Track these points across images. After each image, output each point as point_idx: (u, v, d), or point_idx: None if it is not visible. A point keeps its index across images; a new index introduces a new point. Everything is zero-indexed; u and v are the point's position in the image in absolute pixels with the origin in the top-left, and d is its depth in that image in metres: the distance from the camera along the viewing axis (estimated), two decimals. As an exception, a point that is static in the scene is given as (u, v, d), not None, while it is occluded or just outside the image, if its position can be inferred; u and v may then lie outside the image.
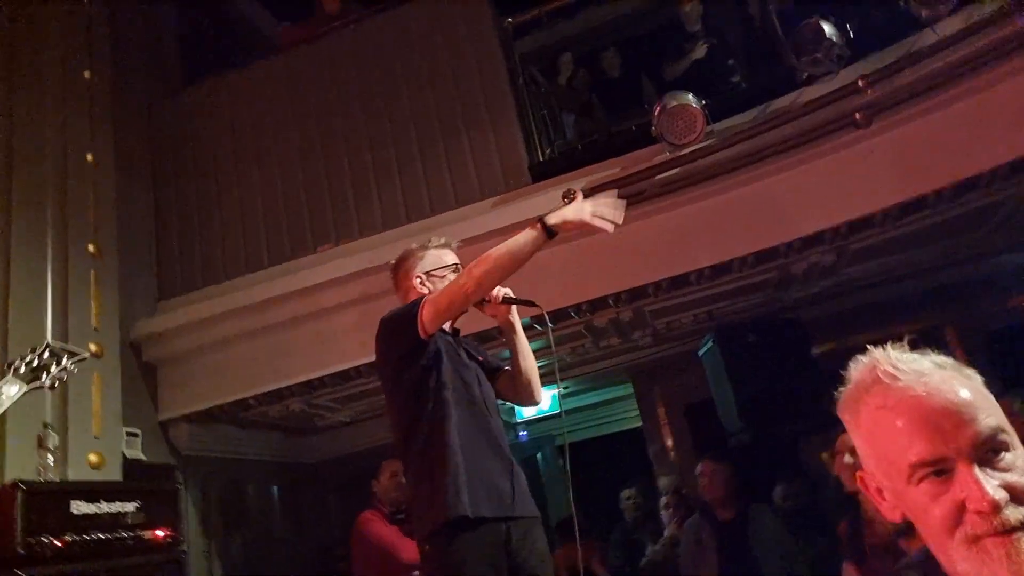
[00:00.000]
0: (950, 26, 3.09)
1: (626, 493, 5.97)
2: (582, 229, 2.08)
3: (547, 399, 6.27)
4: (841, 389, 0.98)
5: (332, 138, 4.61)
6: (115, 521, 2.75)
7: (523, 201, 4.01)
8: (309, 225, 4.53)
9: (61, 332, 3.53)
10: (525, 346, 2.20)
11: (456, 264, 2.33)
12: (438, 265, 2.31)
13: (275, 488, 5.33)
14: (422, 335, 2.04)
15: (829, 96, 3.23)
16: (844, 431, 2.80)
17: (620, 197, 3.69)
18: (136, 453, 3.95)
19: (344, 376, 4.41)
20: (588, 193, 3.73)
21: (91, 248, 3.87)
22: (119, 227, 4.14)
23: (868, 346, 0.94)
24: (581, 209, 2.06)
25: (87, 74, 4.14)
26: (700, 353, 4.70)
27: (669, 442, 6.01)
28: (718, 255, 3.68)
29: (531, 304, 2.17)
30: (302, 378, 4.31)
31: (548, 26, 5.07)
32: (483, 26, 4.46)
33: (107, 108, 4.25)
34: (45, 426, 3.00)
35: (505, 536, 1.96)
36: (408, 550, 3.68)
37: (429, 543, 1.96)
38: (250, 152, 4.76)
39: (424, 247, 2.36)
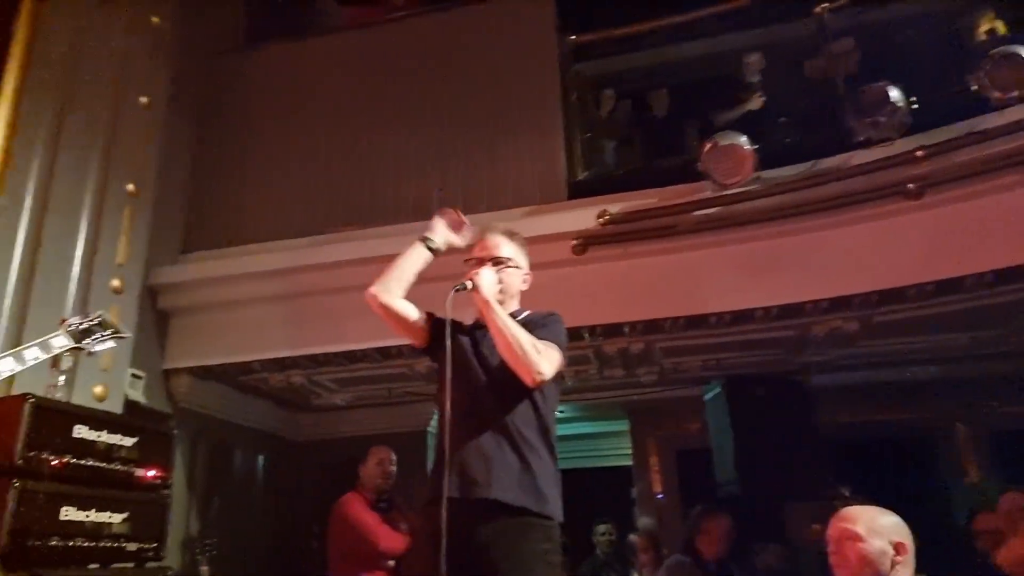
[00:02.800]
0: (1017, 112, 3.11)
1: (601, 528, 5.94)
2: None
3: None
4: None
5: (378, 123, 4.66)
6: (111, 452, 2.76)
7: (554, 215, 4.03)
8: (341, 203, 4.57)
9: (88, 262, 3.57)
10: (492, 326, 2.08)
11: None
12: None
13: (261, 457, 5.32)
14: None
15: (884, 161, 3.25)
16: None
17: (653, 228, 3.78)
18: (137, 395, 3.97)
19: (351, 357, 4.42)
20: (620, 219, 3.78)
21: (130, 187, 3.92)
22: (158, 173, 4.19)
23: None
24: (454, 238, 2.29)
25: (154, 19, 4.23)
26: (705, 397, 4.68)
27: (656, 484, 5.97)
28: (742, 302, 3.68)
29: (464, 287, 2.11)
30: (310, 351, 4.33)
31: (608, 54, 5.13)
32: (546, 37, 4.53)
33: (168, 56, 4.33)
34: (62, 346, 3.00)
35: (464, 524, 1.91)
36: (386, 538, 3.67)
37: None
38: (296, 123, 4.81)
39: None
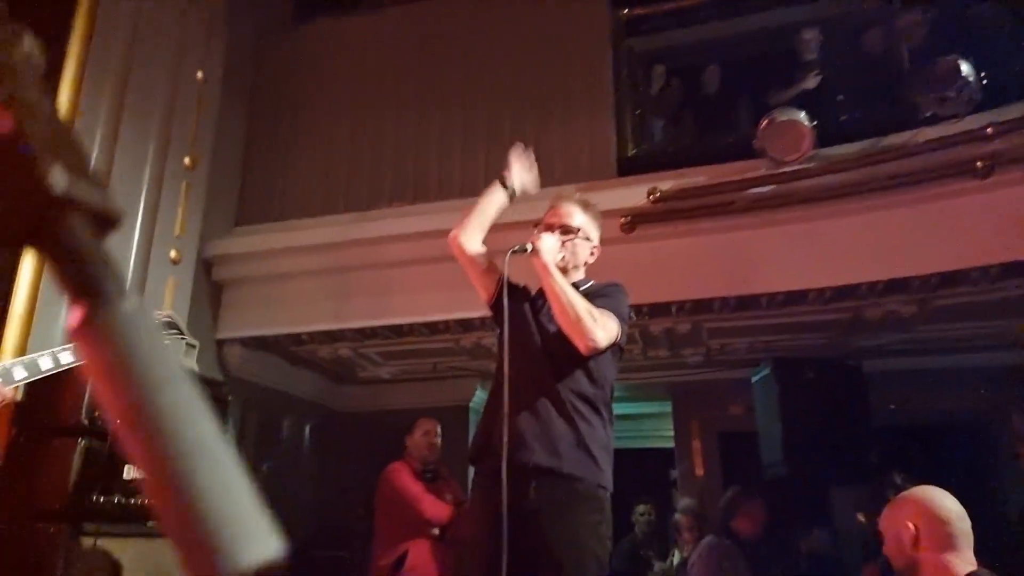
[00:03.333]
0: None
1: (640, 508, 5.94)
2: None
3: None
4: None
5: (427, 99, 4.66)
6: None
7: (604, 193, 3.96)
8: (388, 179, 4.60)
9: (147, 231, 3.67)
10: (554, 294, 2.07)
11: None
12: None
13: (308, 427, 5.44)
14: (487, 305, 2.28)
15: (951, 139, 3.13)
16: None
17: (704, 207, 3.72)
18: (191, 363, 4.07)
19: (398, 330, 4.48)
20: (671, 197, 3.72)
21: (187, 161, 4.01)
22: (213, 146, 4.28)
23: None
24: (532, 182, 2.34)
25: (210, -5, 4.30)
26: (753, 379, 4.62)
27: (698, 467, 5.92)
28: (795, 283, 3.61)
29: (524, 249, 2.12)
30: (357, 324, 4.39)
31: (659, 29, 5.03)
32: (598, 11, 4.46)
33: (223, 31, 4.40)
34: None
35: (515, 489, 1.92)
36: (431, 506, 3.72)
37: None
38: (346, 98, 4.85)
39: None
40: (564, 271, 2.15)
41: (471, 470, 2.23)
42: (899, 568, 1.93)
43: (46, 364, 1.80)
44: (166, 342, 0.38)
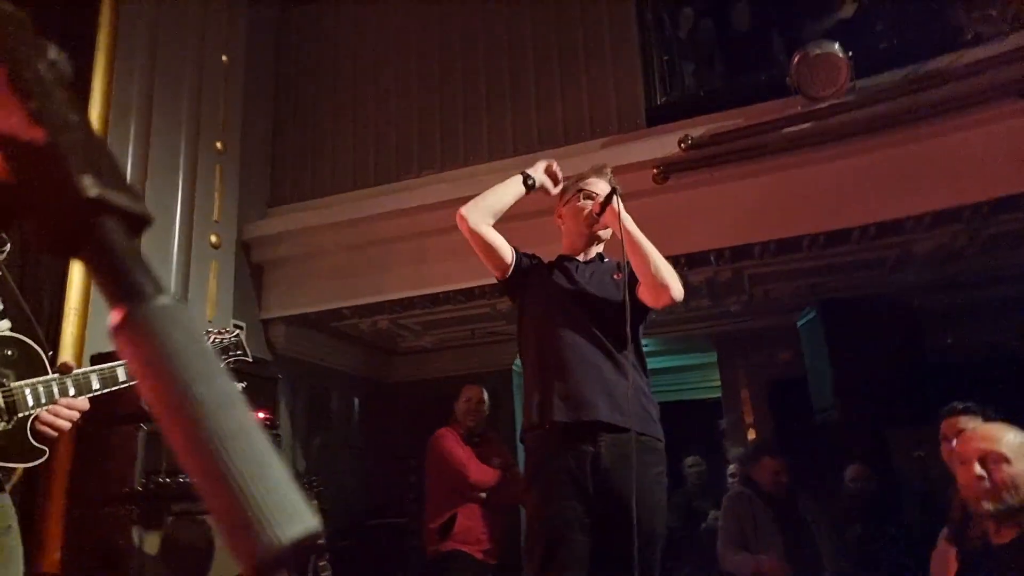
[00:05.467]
0: None
1: (690, 460, 5.95)
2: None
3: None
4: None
5: (450, 65, 4.61)
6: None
7: (634, 144, 3.92)
8: (417, 148, 4.58)
9: (187, 219, 3.73)
10: (630, 245, 2.10)
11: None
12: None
13: (356, 399, 5.54)
14: (497, 278, 2.29)
15: (996, 59, 2.97)
16: (949, 416, 2.65)
17: (739, 150, 3.63)
18: (249, 357, 4.16)
19: (433, 300, 4.50)
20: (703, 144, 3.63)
21: (219, 145, 4.04)
22: (242, 129, 4.30)
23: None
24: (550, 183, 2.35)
25: (228, -24, 4.27)
26: (799, 323, 4.53)
27: (748, 415, 5.89)
28: (838, 221, 3.50)
29: (609, 197, 2.14)
30: (395, 295, 4.43)
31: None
32: (619, -42, 4.32)
33: (243, 13, 4.39)
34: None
35: (593, 448, 1.98)
36: (477, 471, 3.78)
37: (524, 441, 2.13)
38: (369, 69, 4.82)
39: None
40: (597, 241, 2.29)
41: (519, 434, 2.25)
42: (974, 498, 1.91)
43: (123, 375, 1.85)
44: (200, 334, 0.40)
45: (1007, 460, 1.86)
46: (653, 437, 2.06)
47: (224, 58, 4.15)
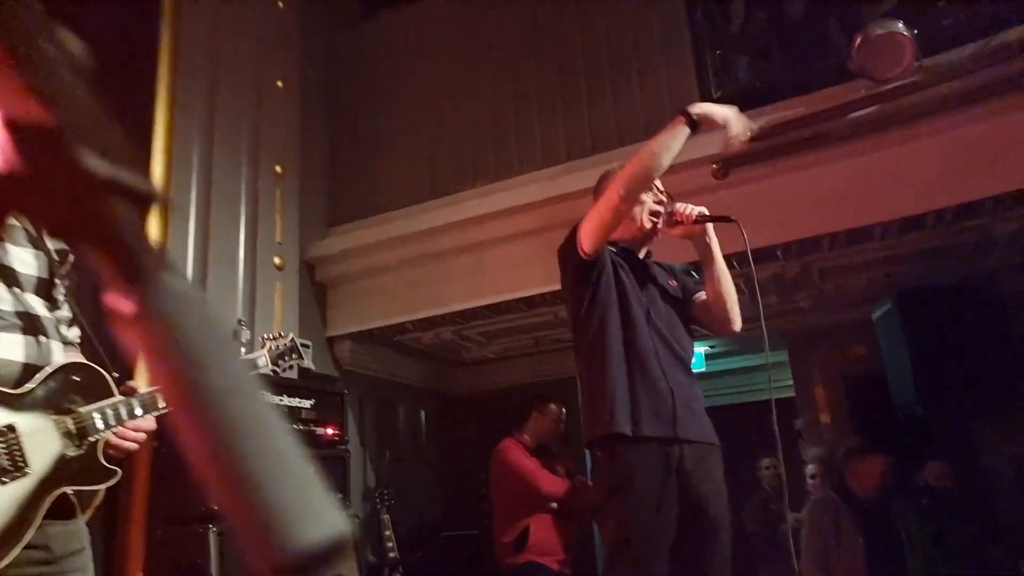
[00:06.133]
0: None
1: (766, 462, 5.76)
2: (716, 128, 2.02)
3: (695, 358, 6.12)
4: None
5: (500, 73, 4.62)
6: (292, 414, 2.99)
7: (689, 142, 3.82)
8: (471, 159, 4.60)
9: (251, 243, 3.83)
10: (721, 271, 2.13)
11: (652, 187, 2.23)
12: None
13: (423, 412, 5.59)
14: (582, 255, 2.06)
15: (1074, 24, 2.79)
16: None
17: (801, 140, 3.51)
18: (307, 363, 4.24)
19: (495, 309, 4.50)
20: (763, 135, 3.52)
21: (278, 168, 4.15)
22: (300, 151, 4.41)
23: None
24: (728, 112, 2.01)
25: (280, 3, 4.39)
26: (875, 316, 4.34)
27: (824, 414, 5.67)
28: (911, 207, 3.34)
29: (727, 219, 2.09)
30: (456, 307, 4.45)
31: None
32: (665, -45, 4.26)
33: (296, 38, 4.50)
34: (239, 322, 3.26)
35: (678, 456, 1.93)
36: (548, 482, 3.74)
37: (599, 448, 2.01)
38: (420, 85, 4.88)
39: (623, 165, 2.29)
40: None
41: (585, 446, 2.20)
42: None
43: None
44: (213, 318, 0.37)
45: None
46: (719, 445, 2.07)
47: (280, 83, 4.26)
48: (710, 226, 2.13)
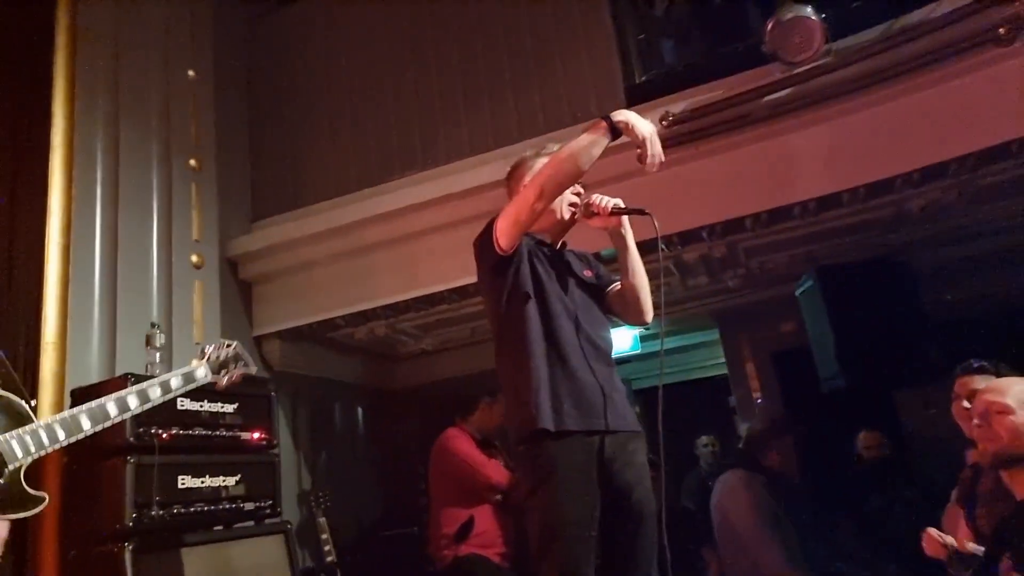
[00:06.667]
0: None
1: (703, 440, 5.91)
2: (636, 141, 2.02)
3: (628, 339, 6.19)
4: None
5: (424, 61, 4.53)
6: (216, 420, 2.88)
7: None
8: (397, 148, 4.51)
9: (166, 242, 3.66)
10: (636, 262, 2.15)
11: None
12: None
13: (360, 410, 5.49)
14: (498, 250, 2.04)
15: (970, 7, 2.90)
16: (963, 374, 2.61)
17: (722, 122, 3.56)
18: (254, 369, 4.09)
19: (428, 300, 4.43)
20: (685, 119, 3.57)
21: (192, 163, 3.97)
22: (217, 144, 4.23)
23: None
24: (649, 129, 2.03)
25: (190, -9, 4.19)
26: (797, 292, 4.47)
27: (756, 390, 5.83)
28: (827, 186, 3.43)
29: (641, 212, 2.09)
30: (387, 300, 4.36)
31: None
32: (584, -60, 4.24)
33: (209, 26, 4.31)
34: (153, 326, 3.12)
35: (598, 447, 1.94)
36: (496, 472, 3.72)
37: (522, 444, 1.99)
38: (343, 73, 4.74)
39: (538, 153, 2.27)
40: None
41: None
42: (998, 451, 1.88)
43: (114, 411, 1.83)
44: None
45: (1010, 411, 1.83)
46: (642, 431, 2.10)
47: (191, 73, 4.07)
48: (625, 218, 2.13)
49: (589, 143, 1.97)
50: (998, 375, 2.46)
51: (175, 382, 2.12)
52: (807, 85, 3.23)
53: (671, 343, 7.03)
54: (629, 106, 3.91)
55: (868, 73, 3.16)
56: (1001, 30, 2.92)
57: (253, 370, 2.46)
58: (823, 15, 3.13)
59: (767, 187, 3.53)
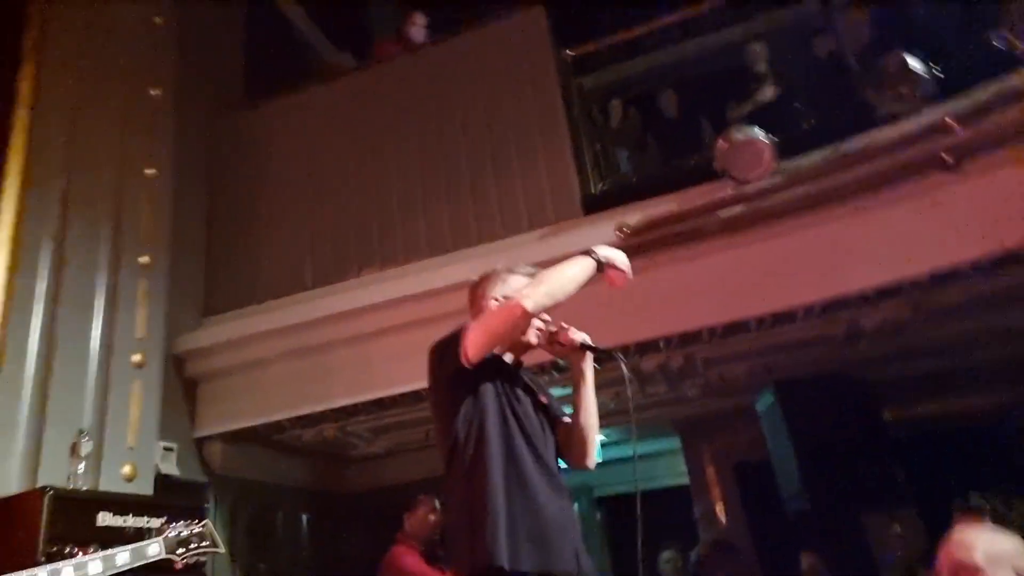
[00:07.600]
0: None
1: (666, 555, 5.66)
2: (621, 268, 2.09)
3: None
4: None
5: (383, 162, 4.59)
6: (140, 536, 2.66)
7: (572, 233, 3.88)
8: (354, 248, 4.49)
9: (107, 339, 3.52)
10: (591, 402, 2.06)
11: None
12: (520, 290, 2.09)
13: (304, 516, 5.20)
14: (464, 360, 1.93)
15: (913, 135, 3.02)
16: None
17: (676, 235, 3.61)
18: (171, 468, 3.89)
19: (380, 404, 4.30)
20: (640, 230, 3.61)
21: (143, 260, 3.88)
22: (173, 240, 4.16)
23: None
24: (623, 257, 2.10)
25: (153, 91, 4.22)
26: (758, 408, 4.42)
27: (718, 502, 5.67)
28: (781, 302, 3.45)
29: (611, 356, 2.05)
30: (338, 403, 4.22)
31: (607, 64, 4.98)
32: (542, 56, 4.41)
33: (169, 125, 4.31)
34: (80, 433, 2.95)
35: None
36: (448, 590, 3.51)
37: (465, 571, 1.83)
38: (303, 172, 4.78)
39: (510, 270, 2.22)
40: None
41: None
42: None
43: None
44: None
45: (979, 570, 1.71)
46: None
47: (149, 171, 4.04)
48: (589, 355, 2.07)
49: (581, 272, 1.98)
50: (992, 517, 2.34)
51: (121, 558, 1.99)
52: (758, 203, 3.30)
53: (631, 450, 6.88)
54: (586, 214, 4.00)
55: (816, 194, 3.25)
56: (944, 155, 3.03)
57: (221, 551, 2.29)
58: (773, 137, 3.24)
59: (722, 300, 3.54)
